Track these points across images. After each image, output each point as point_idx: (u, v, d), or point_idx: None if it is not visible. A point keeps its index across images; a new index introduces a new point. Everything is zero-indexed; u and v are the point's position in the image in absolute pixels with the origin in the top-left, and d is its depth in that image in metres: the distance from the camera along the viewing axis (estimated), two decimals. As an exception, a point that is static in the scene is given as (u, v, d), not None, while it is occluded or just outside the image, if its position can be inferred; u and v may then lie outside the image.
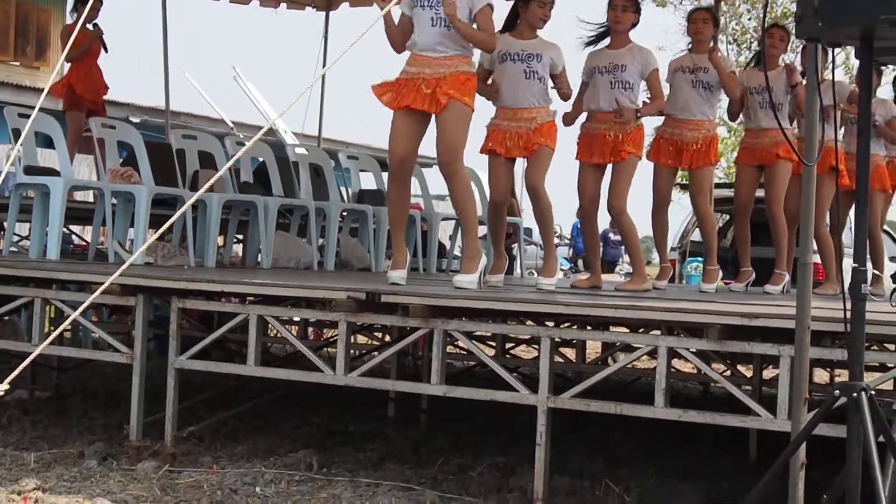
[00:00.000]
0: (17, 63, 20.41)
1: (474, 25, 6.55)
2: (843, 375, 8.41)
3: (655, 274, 8.34)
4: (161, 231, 4.88)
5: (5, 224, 8.50)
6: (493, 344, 9.32)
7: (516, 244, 11.86)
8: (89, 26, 10.53)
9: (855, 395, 3.80)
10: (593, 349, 11.02)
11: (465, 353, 9.19)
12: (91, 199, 10.59)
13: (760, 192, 8.57)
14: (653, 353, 5.58)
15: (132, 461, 6.49)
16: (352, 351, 7.71)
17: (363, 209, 10.03)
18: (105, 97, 11.14)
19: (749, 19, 26.08)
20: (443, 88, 6.45)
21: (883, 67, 9.33)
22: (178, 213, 5.01)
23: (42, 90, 5.27)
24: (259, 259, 9.15)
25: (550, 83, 7.13)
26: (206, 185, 5.02)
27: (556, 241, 7.73)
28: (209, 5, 13.30)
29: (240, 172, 9.44)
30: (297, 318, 9.56)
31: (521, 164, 8.42)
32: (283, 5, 12.94)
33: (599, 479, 6.34)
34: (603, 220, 8.55)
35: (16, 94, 17.62)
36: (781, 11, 24.11)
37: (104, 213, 8.30)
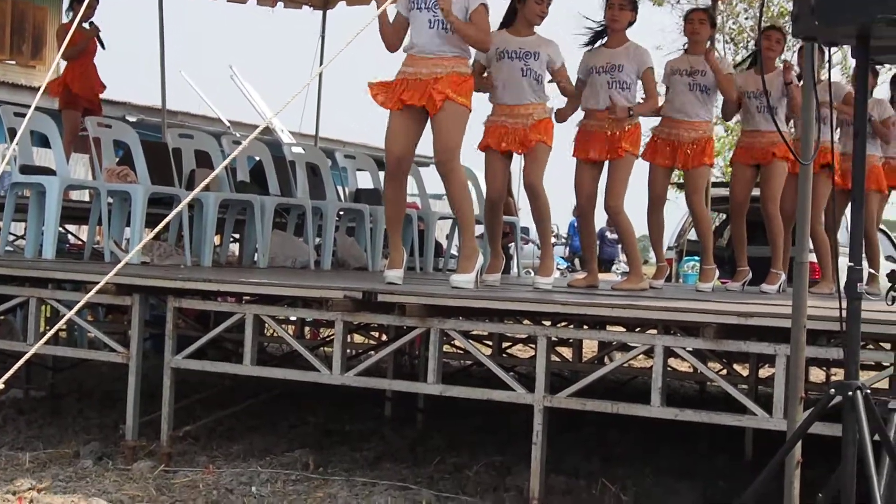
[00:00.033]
0: (13, 62, 20.37)
1: None
2: (838, 374, 8.41)
3: (652, 273, 8.35)
4: (157, 230, 4.86)
5: (1, 223, 8.49)
6: (490, 343, 9.32)
7: (513, 243, 11.87)
8: (85, 25, 10.53)
9: (850, 393, 3.80)
10: (590, 348, 11.02)
11: (461, 352, 9.19)
12: (87, 199, 10.57)
13: (756, 192, 8.58)
14: (649, 353, 5.58)
15: (128, 461, 6.49)
16: (348, 350, 7.73)
17: (360, 208, 10.02)
18: (101, 96, 11.13)
19: (746, 18, 26.12)
20: (439, 88, 6.46)
21: (879, 67, 9.34)
22: (174, 211, 5.01)
23: (38, 89, 5.26)
24: (255, 258, 9.15)
25: (548, 77, 7.13)
26: (202, 184, 5.02)
27: (553, 240, 7.71)
28: (206, 4, 13.31)
29: (236, 171, 9.43)
30: (293, 318, 9.56)
31: (517, 163, 8.42)
32: (281, 4, 12.92)
33: (596, 478, 6.34)
34: (599, 219, 8.55)
35: (12, 93, 17.58)
36: (778, 10, 24.13)
37: (100, 212, 8.29)
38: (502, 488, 6.24)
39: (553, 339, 5.99)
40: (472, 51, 6.75)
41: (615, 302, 5.89)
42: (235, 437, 7.35)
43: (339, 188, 10.60)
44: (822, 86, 6.79)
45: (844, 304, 3.90)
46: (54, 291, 6.97)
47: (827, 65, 4.32)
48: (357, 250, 9.94)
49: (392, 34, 6.67)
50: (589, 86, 7.53)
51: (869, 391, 3.84)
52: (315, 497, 5.91)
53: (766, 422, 5.18)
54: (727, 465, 6.98)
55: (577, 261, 21.75)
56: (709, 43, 8.37)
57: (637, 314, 5.80)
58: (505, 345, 9.62)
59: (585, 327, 7.56)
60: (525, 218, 16.29)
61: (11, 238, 9.81)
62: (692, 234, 12.96)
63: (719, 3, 11.84)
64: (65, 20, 12.87)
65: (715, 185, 11.31)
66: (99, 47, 10.79)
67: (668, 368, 6.15)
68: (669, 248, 12.99)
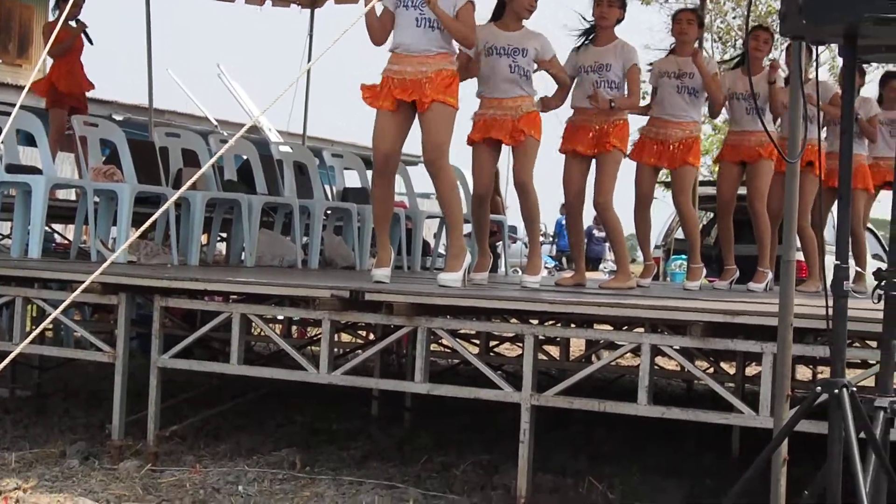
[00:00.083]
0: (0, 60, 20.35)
1: None
2: (825, 372, 8.42)
3: (640, 272, 8.36)
4: (143, 229, 4.85)
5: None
6: (477, 342, 9.32)
7: (501, 242, 11.87)
8: (72, 23, 10.50)
9: (837, 391, 3.80)
10: (577, 347, 11.02)
11: (449, 351, 9.19)
12: (73, 198, 10.55)
13: (743, 190, 8.59)
14: (636, 351, 5.58)
15: (114, 460, 6.47)
16: (335, 349, 7.72)
17: (347, 207, 10.01)
18: (88, 94, 11.10)
19: (734, 17, 26.18)
20: (426, 91, 6.47)
21: (866, 66, 9.36)
22: (160, 210, 5.01)
23: (24, 88, 5.25)
24: (243, 257, 9.13)
25: (535, 67, 7.12)
26: (189, 183, 5.01)
27: (540, 239, 7.72)
28: (193, 2, 13.33)
29: (223, 170, 9.42)
30: (280, 317, 9.55)
31: (505, 161, 8.40)
32: (269, 2, 12.90)
33: (583, 477, 6.34)
34: (587, 217, 8.55)
35: (-2, 92, 17.54)
36: (766, 9, 24.19)
37: (86, 211, 8.27)
38: (489, 487, 6.24)
39: (540, 337, 5.99)
40: (457, 46, 6.74)
41: (602, 300, 5.89)
42: (222, 436, 7.33)
43: (327, 187, 10.59)
44: (810, 84, 6.81)
45: (831, 303, 3.90)
46: (40, 291, 6.95)
47: (814, 63, 4.32)
48: (344, 249, 9.94)
49: (379, 28, 6.65)
50: (577, 85, 7.54)
51: (855, 389, 3.84)
52: (302, 496, 5.90)
53: (753, 420, 5.19)
54: (714, 463, 6.99)
55: (564, 259, 21.78)
56: (697, 43, 8.38)
57: (624, 313, 5.80)
58: (492, 343, 9.62)
59: (573, 326, 7.54)
60: (513, 216, 16.33)
61: (-3, 237, 9.79)
62: (679, 233, 12.99)
63: (707, 2, 11.87)
64: (51, 18, 12.82)
65: (702, 183, 11.34)
66: (87, 43, 10.76)
67: (656, 367, 6.15)
68: (657, 247, 13.01)
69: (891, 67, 9.33)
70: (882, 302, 4.02)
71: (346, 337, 10.22)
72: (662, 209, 15.49)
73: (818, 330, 5.09)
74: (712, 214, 13.62)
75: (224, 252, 10.32)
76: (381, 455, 6.94)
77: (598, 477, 6.30)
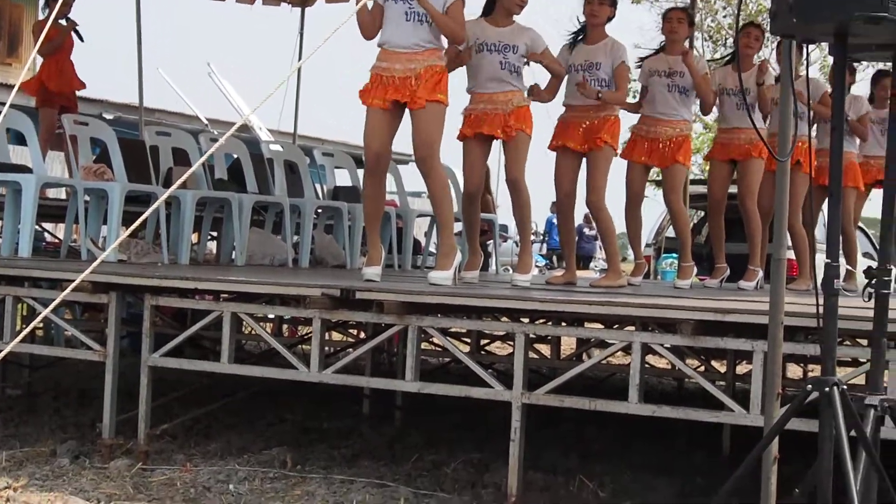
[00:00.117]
0: (-11, 60, 20.31)
1: None
2: (815, 370, 8.44)
3: (630, 270, 8.36)
4: (133, 228, 4.84)
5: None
6: (468, 340, 9.32)
7: (491, 241, 11.87)
8: (62, 21, 10.47)
9: (827, 389, 3.80)
10: (568, 345, 11.03)
11: (439, 349, 9.18)
12: (64, 197, 10.53)
13: (733, 189, 8.60)
14: (627, 349, 5.59)
15: (105, 459, 6.46)
16: (326, 348, 7.71)
17: (338, 206, 10.01)
18: (78, 93, 11.08)
19: (724, 16, 26.20)
20: (417, 90, 6.47)
21: (856, 64, 9.38)
22: (151, 209, 5.00)
23: (14, 86, 5.24)
24: (233, 256, 9.13)
25: (525, 61, 7.12)
26: (179, 182, 5.01)
27: (531, 237, 7.73)
28: (184, 1, 13.25)
29: (214, 169, 9.41)
30: (271, 316, 9.54)
31: (495, 159, 8.39)
32: (259, 1, 12.90)
33: (573, 475, 6.35)
34: (577, 216, 8.55)
35: (-12, 91, 17.49)
36: (756, 8, 24.21)
37: (77, 210, 8.26)
38: (480, 485, 6.24)
39: (531, 336, 5.99)
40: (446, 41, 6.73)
41: (593, 299, 5.90)
42: (213, 435, 7.32)
43: (317, 186, 10.59)
44: (801, 81, 6.81)
45: (821, 301, 3.91)
46: (30, 289, 6.93)
47: (805, 62, 4.33)
48: (335, 248, 9.93)
49: (370, 22, 6.63)
50: (567, 82, 7.54)
51: (846, 387, 3.84)
52: (293, 495, 5.90)
53: (744, 418, 5.20)
54: (705, 461, 6.99)
55: (555, 258, 21.81)
56: (687, 42, 8.38)
57: (615, 311, 5.80)
58: (483, 342, 9.62)
59: (563, 324, 7.53)
60: (503, 215, 16.34)
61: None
62: (670, 232, 12.99)
63: (698, 0, 11.88)
64: (41, 17, 12.78)
65: (693, 182, 11.35)
66: (77, 41, 10.74)
67: (646, 365, 6.15)
68: (647, 246, 13.03)
69: (882, 65, 9.35)
70: (872, 300, 4.03)
71: (336, 336, 10.21)
72: (653, 208, 15.53)
73: (809, 328, 5.10)
74: (703, 213, 13.64)
75: (214, 251, 10.31)
76: (371, 454, 6.94)
77: (588, 475, 6.31)
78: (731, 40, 24.06)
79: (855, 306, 4.61)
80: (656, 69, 8.05)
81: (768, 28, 4.42)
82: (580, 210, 8.07)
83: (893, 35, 3.75)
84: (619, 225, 8.35)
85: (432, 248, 10.83)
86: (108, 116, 18.28)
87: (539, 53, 7.12)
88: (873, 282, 4.01)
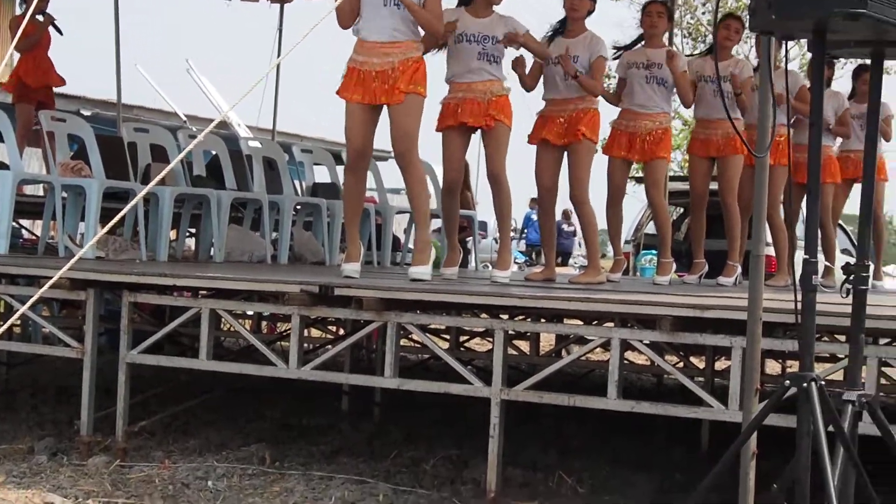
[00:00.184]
0: (-34, 55, 20.19)
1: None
2: (794, 366, 8.47)
3: (609, 266, 8.37)
4: (111, 224, 4.82)
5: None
6: (447, 337, 9.32)
7: (471, 237, 11.88)
8: (39, 17, 10.42)
9: (805, 385, 3.81)
10: (547, 342, 11.04)
11: (419, 346, 9.18)
12: (41, 193, 10.49)
13: (713, 185, 8.60)
14: (606, 346, 5.59)
15: (83, 456, 6.44)
16: (305, 344, 7.69)
17: (317, 203, 9.99)
18: (56, 90, 11.02)
19: (703, 13, 26.22)
20: (396, 85, 6.45)
21: (835, 60, 9.40)
22: (129, 205, 4.97)
23: (-10, 82, 5.22)
24: (212, 253, 9.10)
25: (504, 51, 7.11)
26: (157, 178, 4.99)
27: (511, 234, 7.73)
28: (162, -3, 13.20)
29: (192, 166, 9.38)
30: (250, 312, 9.52)
31: (475, 154, 8.38)
32: (238, -3, 12.86)
33: (553, 471, 6.35)
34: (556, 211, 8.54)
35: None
36: (735, 4, 24.22)
37: (54, 206, 8.22)
38: (459, 481, 6.24)
39: (510, 332, 5.99)
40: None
41: (572, 295, 5.90)
42: (191, 432, 7.31)
43: (296, 182, 10.57)
44: (779, 73, 6.83)
45: (800, 297, 3.92)
46: (8, 286, 6.91)
47: (784, 58, 4.33)
48: (314, 245, 9.92)
49: (349, 11, 6.59)
50: (547, 77, 7.54)
51: (824, 383, 3.85)
52: (271, 491, 5.89)
53: (722, 414, 5.21)
54: (684, 457, 7.01)
55: (534, 254, 21.83)
56: (666, 36, 8.39)
57: (594, 307, 5.81)
58: (462, 338, 9.62)
59: (542, 321, 7.54)
60: (483, 212, 16.34)
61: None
62: (649, 228, 13.01)
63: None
64: (18, 12, 12.73)
65: (672, 178, 11.36)
66: (56, 35, 10.69)
67: (625, 361, 6.16)
68: (627, 242, 13.04)
69: (863, 60, 9.37)
70: (850, 296, 4.04)
71: (315, 332, 10.20)
72: (633, 204, 15.54)
73: (787, 324, 5.11)
74: (682, 209, 13.65)
75: (193, 248, 10.28)
76: (351, 450, 6.93)
77: (568, 471, 6.31)
78: (710, 37, 24.08)
79: (833, 302, 4.63)
80: (634, 61, 8.05)
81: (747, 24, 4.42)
82: (559, 206, 8.06)
83: (872, 31, 3.77)
84: (600, 221, 8.36)
85: (412, 245, 10.82)
86: (86, 113, 18.19)
87: (521, 34, 7.08)
88: (851, 278, 4.02)
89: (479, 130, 7.11)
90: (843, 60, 13.46)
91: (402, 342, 6.19)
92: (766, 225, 7.66)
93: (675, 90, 8.06)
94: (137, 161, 8.96)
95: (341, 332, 9.21)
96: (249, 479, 6.12)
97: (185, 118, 20.46)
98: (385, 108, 6.58)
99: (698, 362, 8.56)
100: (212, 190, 8.91)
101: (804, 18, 3.74)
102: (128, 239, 8.55)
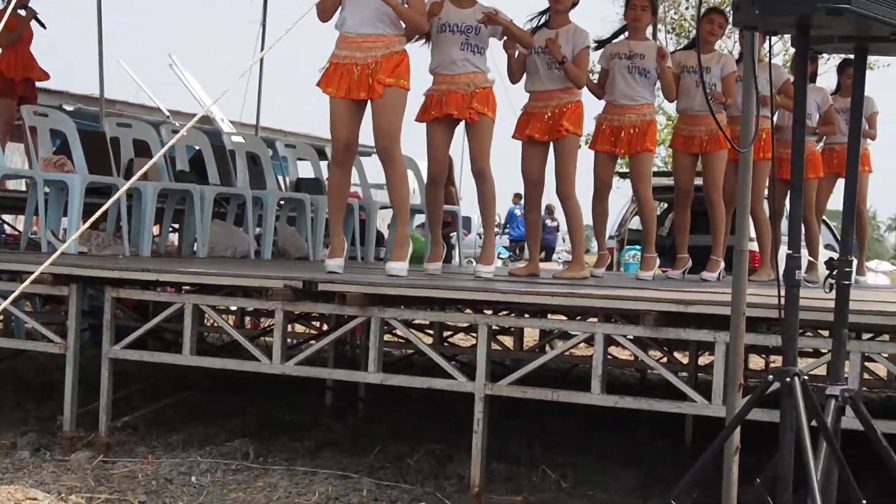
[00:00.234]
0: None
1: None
2: (777, 361, 8.49)
3: (593, 262, 8.37)
4: (93, 219, 4.81)
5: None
6: (431, 332, 9.32)
7: (455, 232, 11.87)
8: (21, 11, 10.37)
9: (788, 380, 3.82)
10: (531, 337, 11.04)
11: (402, 341, 9.17)
12: (23, 188, 10.45)
13: (698, 181, 8.61)
14: (590, 341, 5.60)
15: (66, 452, 6.43)
16: (289, 340, 7.70)
17: (301, 198, 9.98)
18: (38, 84, 10.98)
19: (687, 8, 26.26)
20: (378, 77, 6.44)
21: (818, 55, 9.40)
22: (111, 200, 4.96)
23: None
24: (195, 248, 9.08)
25: (489, 43, 7.11)
26: (140, 173, 4.97)
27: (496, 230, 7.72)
28: (145, -8, 13.16)
29: (175, 161, 9.35)
30: (233, 308, 9.51)
31: (459, 149, 8.36)
32: (220, -8, 12.82)
33: (537, 465, 6.36)
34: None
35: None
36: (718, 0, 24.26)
37: (37, 202, 8.20)
38: (443, 476, 6.24)
39: (494, 327, 6.00)
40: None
41: (556, 290, 5.90)
42: (175, 427, 7.29)
43: (280, 178, 10.55)
44: (763, 66, 6.84)
45: (783, 292, 3.92)
46: (-10, 282, 6.87)
47: (768, 53, 4.34)
48: (298, 240, 9.90)
49: (329, 4, 6.57)
50: (530, 68, 7.53)
51: (807, 378, 3.86)
52: (255, 486, 5.88)
53: (706, 408, 5.22)
54: (667, 452, 7.02)
55: (518, 249, 21.82)
56: (650, 30, 8.39)
57: (577, 302, 5.81)
58: (446, 334, 9.62)
59: (526, 316, 7.57)
60: (467, 207, 16.34)
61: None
62: (634, 224, 13.03)
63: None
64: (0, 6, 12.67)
65: (656, 174, 11.38)
66: (39, 28, 10.64)
67: (609, 356, 6.17)
68: (611, 237, 13.04)
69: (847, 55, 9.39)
70: (833, 291, 4.05)
71: (299, 328, 10.19)
72: (618, 200, 15.56)
73: (770, 319, 5.12)
74: (666, 205, 13.67)
75: (176, 243, 10.26)
76: (334, 445, 6.93)
77: (551, 466, 6.32)
78: (693, 33, 24.11)
79: (816, 297, 4.64)
80: (617, 52, 8.04)
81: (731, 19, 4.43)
82: (543, 201, 8.05)
83: (855, 27, 3.77)
84: (585, 216, 8.37)
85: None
86: (69, 108, 18.09)
87: (505, 19, 7.07)
88: (834, 273, 4.03)
89: (462, 123, 7.11)
90: (827, 55, 13.46)
91: (386, 337, 6.19)
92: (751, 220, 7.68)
93: (658, 83, 8.07)
94: (120, 156, 8.93)
95: (325, 327, 9.20)
96: (233, 475, 6.11)
97: (168, 113, 20.40)
98: (369, 102, 6.57)
99: (682, 357, 8.58)
100: (195, 185, 8.89)
101: (787, 14, 3.74)
102: (111, 234, 8.53)
